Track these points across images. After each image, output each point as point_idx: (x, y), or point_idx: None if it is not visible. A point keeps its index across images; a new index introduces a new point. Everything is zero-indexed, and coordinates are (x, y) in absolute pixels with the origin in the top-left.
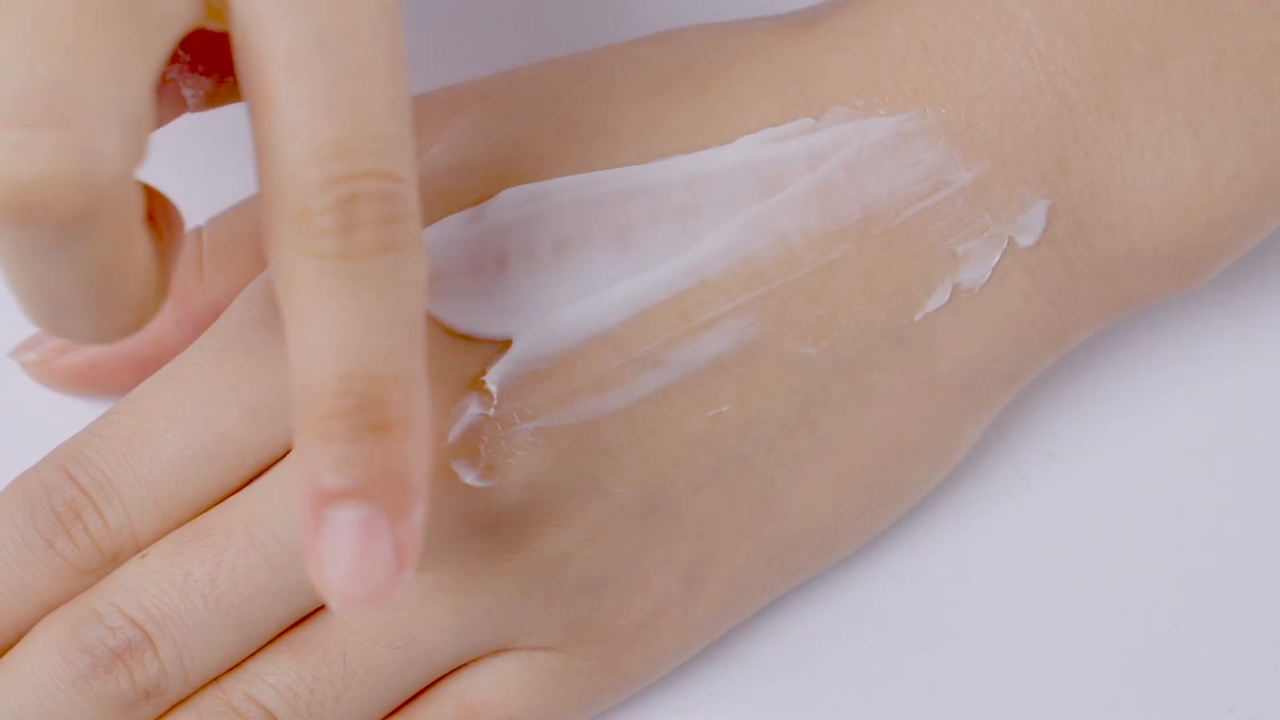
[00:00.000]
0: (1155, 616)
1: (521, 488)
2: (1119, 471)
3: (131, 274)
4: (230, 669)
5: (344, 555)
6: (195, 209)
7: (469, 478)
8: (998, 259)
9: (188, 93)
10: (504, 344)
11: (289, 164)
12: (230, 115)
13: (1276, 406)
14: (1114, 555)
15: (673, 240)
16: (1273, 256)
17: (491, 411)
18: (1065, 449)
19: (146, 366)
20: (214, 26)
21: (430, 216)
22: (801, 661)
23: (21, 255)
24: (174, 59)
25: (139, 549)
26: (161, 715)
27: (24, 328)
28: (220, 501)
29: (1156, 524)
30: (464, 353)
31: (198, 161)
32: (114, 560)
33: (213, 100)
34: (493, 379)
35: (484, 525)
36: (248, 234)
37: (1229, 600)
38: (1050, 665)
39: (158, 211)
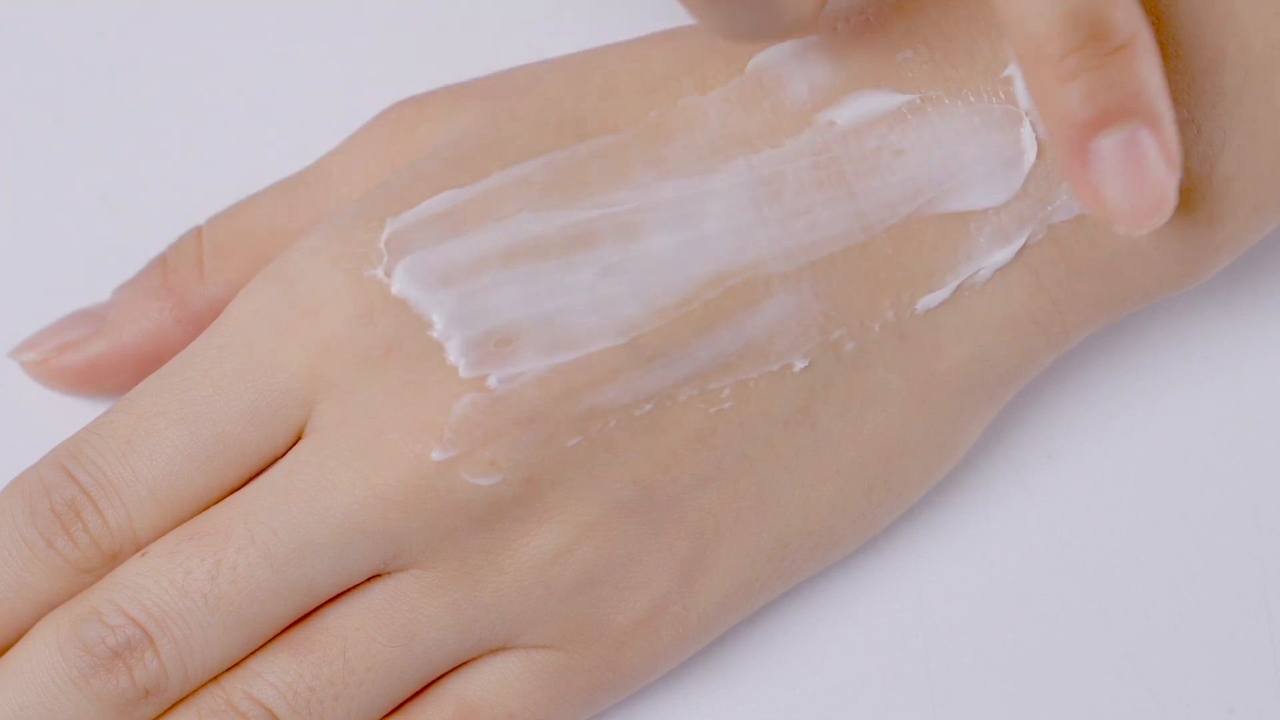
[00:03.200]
0: (1155, 616)
1: (521, 484)
2: (1119, 471)
3: None
4: (230, 667)
5: (1119, 176)
6: (195, 209)
7: (470, 474)
8: (1001, 255)
9: None
10: (503, 342)
11: None
12: (230, 114)
13: (1276, 407)
14: (1114, 555)
15: (676, 238)
16: (1273, 256)
17: (492, 408)
18: (1065, 449)
19: (146, 366)
20: None
21: None
22: (801, 661)
23: None
24: None
25: (138, 548)
26: (162, 714)
27: (24, 328)
28: (220, 500)
29: (1156, 524)
30: None
31: (198, 161)
32: (114, 559)
33: None
34: (494, 376)
35: (484, 522)
36: (248, 233)
37: (1229, 600)
38: (1050, 665)
39: None
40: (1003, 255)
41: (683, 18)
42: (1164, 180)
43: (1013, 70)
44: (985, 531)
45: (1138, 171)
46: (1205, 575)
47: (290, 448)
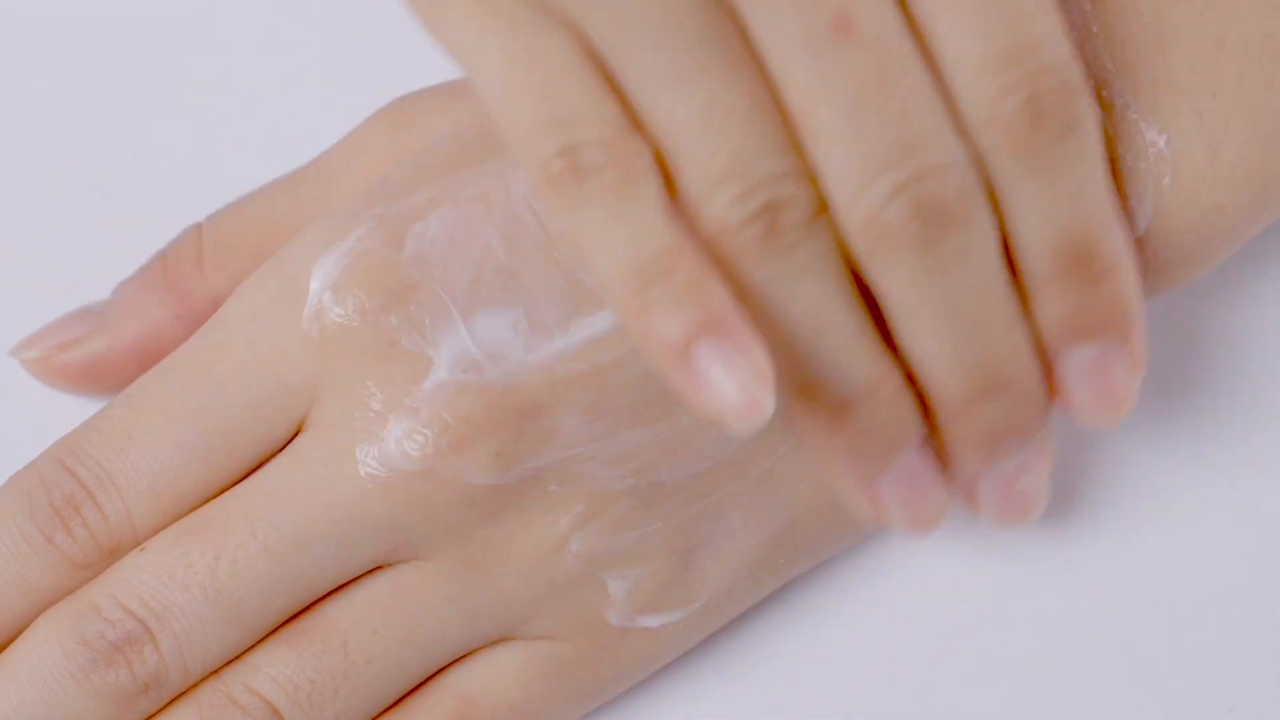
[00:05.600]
0: (1155, 616)
1: (524, 476)
2: (1119, 471)
3: None
4: (230, 661)
5: (1088, 386)
6: (195, 206)
7: (472, 467)
8: None
9: None
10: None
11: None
12: (230, 113)
13: (1277, 403)
14: (1114, 555)
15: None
16: (1273, 254)
17: (494, 400)
18: (1065, 449)
19: (147, 363)
20: None
21: None
22: (802, 661)
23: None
24: None
25: (138, 543)
26: (162, 708)
27: (24, 326)
28: (219, 494)
29: (1157, 524)
30: None
31: (198, 159)
32: (113, 554)
33: None
34: (494, 371)
35: (487, 514)
36: (248, 229)
37: (1230, 600)
38: (1050, 665)
39: None
40: None
41: None
42: (1127, 395)
43: None
44: (985, 531)
45: (1105, 384)
46: (1206, 574)
47: (290, 441)
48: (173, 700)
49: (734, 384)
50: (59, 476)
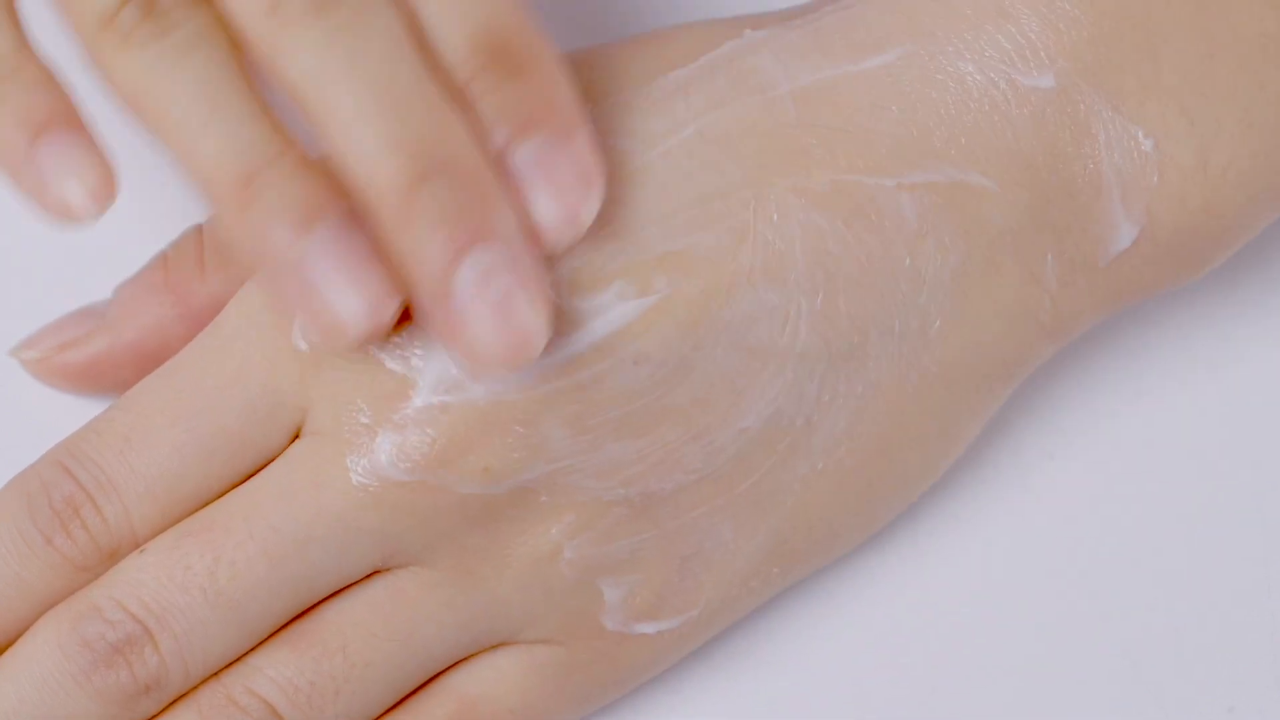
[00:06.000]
0: (1155, 616)
1: (515, 488)
2: (1119, 471)
3: None
4: (230, 663)
5: (539, 182)
6: (196, 208)
7: (463, 482)
8: (991, 248)
9: None
10: None
11: None
12: None
13: (1277, 406)
14: (1114, 555)
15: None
16: (1273, 254)
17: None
18: (1065, 449)
19: (147, 364)
20: None
21: None
22: (801, 661)
23: None
24: None
25: (137, 545)
26: (162, 710)
27: (25, 326)
28: (218, 498)
29: (1156, 524)
30: None
31: None
32: (112, 557)
33: None
34: (478, 390)
35: (480, 523)
36: None
37: (1229, 600)
38: (1051, 665)
39: None
40: (994, 248)
41: (678, 18)
42: (582, 189)
43: None
44: (986, 531)
45: (554, 179)
46: (1206, 575)
47: (289, 445)
48: (173, 702)
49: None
50: (58, 479)
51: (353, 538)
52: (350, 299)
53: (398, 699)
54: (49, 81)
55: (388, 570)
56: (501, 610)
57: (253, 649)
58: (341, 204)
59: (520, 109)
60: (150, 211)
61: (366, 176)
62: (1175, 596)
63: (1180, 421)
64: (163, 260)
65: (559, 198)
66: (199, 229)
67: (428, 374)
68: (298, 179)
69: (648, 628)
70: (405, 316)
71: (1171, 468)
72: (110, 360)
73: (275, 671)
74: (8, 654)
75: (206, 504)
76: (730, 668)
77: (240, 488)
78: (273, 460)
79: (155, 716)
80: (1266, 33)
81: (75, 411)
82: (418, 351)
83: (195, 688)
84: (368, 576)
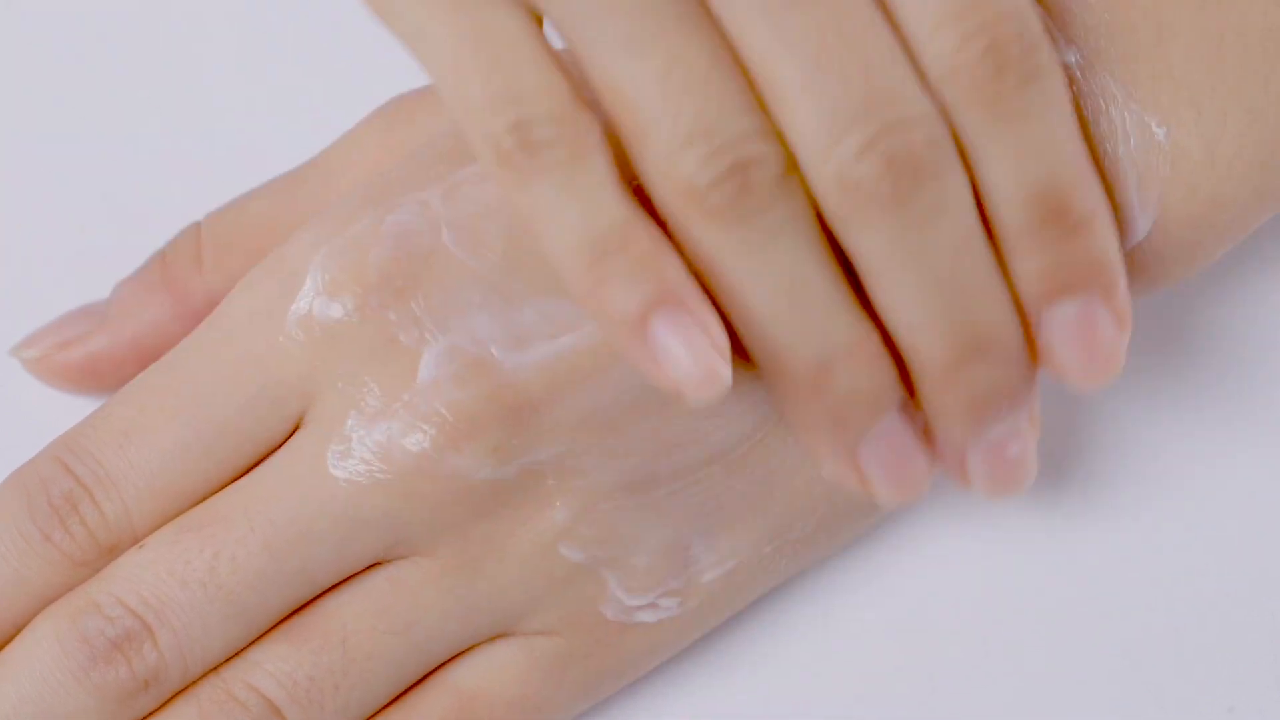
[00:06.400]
0: (1155, 616)
1: (522, 471)
2: (1119, 471)
3: None
4: (230, 657)
5: (1072, 344)
6: (196, 207)
7: (470, 463)
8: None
9: None
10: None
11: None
12: (230, 113)
13: (1277, 403)
14: (1114, 554)
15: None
16: (1273, 253)
17: (492, 396)
18: (1065, 449)
19: (147, 361)
20: None
21: None
22: (801, 661)
23: None
24: None
25: (136, 540)
26: (162, 705)
27: (24, 326)
28: (217, 491)
29: (1156, 522)
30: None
31: (198, 159)
32: (111, 552)
33: None
34: (491, 367)
35: (485, 510)
36: (247, 228)
37: (1229, 600)
38: (1050, 665)
39: None
40: None
41: None
42: (1114, 347)
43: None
44: (985, 530)
45: (1091, 340)
46: (1205, 575)
47: (289, 438)
48: (173, 697)
49: (690, 356)
50: (57, 474)
51: (355, 528)
52: (901, 489)
53: (398, 692)
54: (662, 250)
55: (388, 561)
56: (503, 600)
57: (252, 643)
58: (904, 393)
59: (1067, 273)
60: (149, 210)
61: (914, 347)
62: (1175, 595)
63: (1178, 419)
64: (161, 258)
65: (1089, 364)
66: (197, 226)
67: (441, 349)
68: (873, 369)
69: (648, 616)
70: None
71: (1171, 467)
72: (109, 359)
73: (274, 666)
74: (7, 650)
75: (207, 498)
76: (730, 670)
77: (241, 480)
78: (274, 451)
79: (154, 712)
80: (1271, 26)
81: (75, 410)
82: (433, 324)
83: (195, 682)
84: (368, 568)
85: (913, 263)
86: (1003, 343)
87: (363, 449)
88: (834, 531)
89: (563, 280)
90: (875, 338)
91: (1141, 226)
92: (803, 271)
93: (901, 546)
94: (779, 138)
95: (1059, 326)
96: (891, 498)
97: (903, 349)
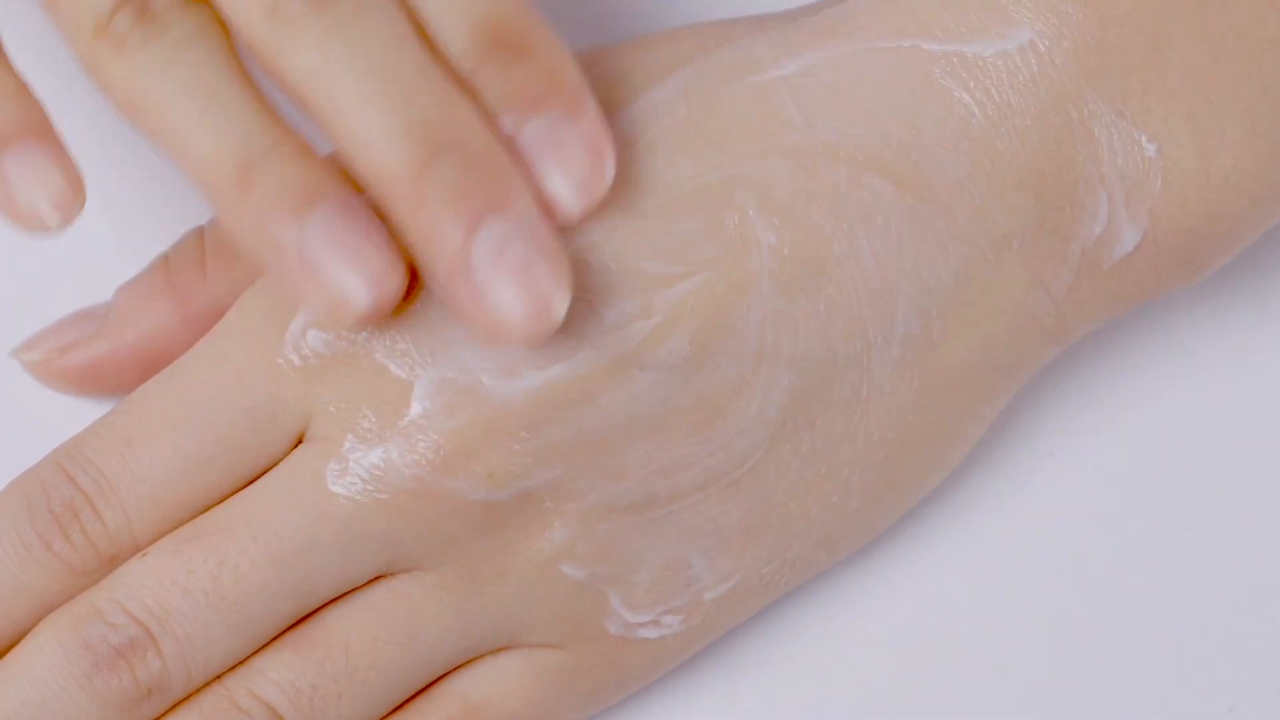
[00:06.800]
0: (1155, 616)
1: (519, 493)
2: (1119, 471)
3: None
4: (233, 666)
5: (545, 160)
6: (198, 209)
7: (467, 487)
8: (994, 251)
9: None
10: None
11: None
12: None
13: (1276, 405)
14: (1114, 555)
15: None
16: (1273, 256)
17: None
18: (1065, 449)
19: (149, 366)
20: None
21: None
22: (802, 662)
23: None
24: None
25: (137, 550)
26: (164, 713)
27: (25, 328)
28: (218, 504)
29: (1156, 524)
30: None
31: None
32: (111, 562)
33: None
34: (483, 395)
35: (483, 528)
36: None
37: (1229, 600)
38: (1050, 665)
39: None
40: (998, 250)
41: (682, 19)
42: (596, 177)
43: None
44: (986, 531)
45: (568, 158)
46: (1205, 575)
47: (290, 451)
48: (175, 705)
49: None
50: (59, 482)
51: (356, 543)
52: (352, 277)
53: (400, 702)
54: (19, 92)
55: (391, 575)
56: (504, 614)
57: (255, 652)
58: (340, 186)
59: (527, 89)
60: (152, 214)
61: (376, 163)
62: (1175, 598)
63: (1179, 422)
64: (164, 262)
65: (570, 171)
66: (200, 231)
67: (432, 379)
68: (296, 164)
69: (650, 632)
70: (408, 314)
71: (1171, 468)
72: (111, 363)
73: (277, 674)
74: (9, 657)
75: (207, 509)
76: (730, 670)
77: (243, 492)
78: (274, 466)
79: None
80: (1270, 37)
81: (76, 414)
82: (422, 357)
83: (198, 691)
84: (371, 581)
85: (347, 64)
86: (463, 141)
87: (360, 469)
88: (831, 549)
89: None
90: (296, 140)
91: (1129, 238)
92: (214, 80)
93: (901, 548)
94: None
95: (530, 143)
96: (350, 288)
97: (365, 175)
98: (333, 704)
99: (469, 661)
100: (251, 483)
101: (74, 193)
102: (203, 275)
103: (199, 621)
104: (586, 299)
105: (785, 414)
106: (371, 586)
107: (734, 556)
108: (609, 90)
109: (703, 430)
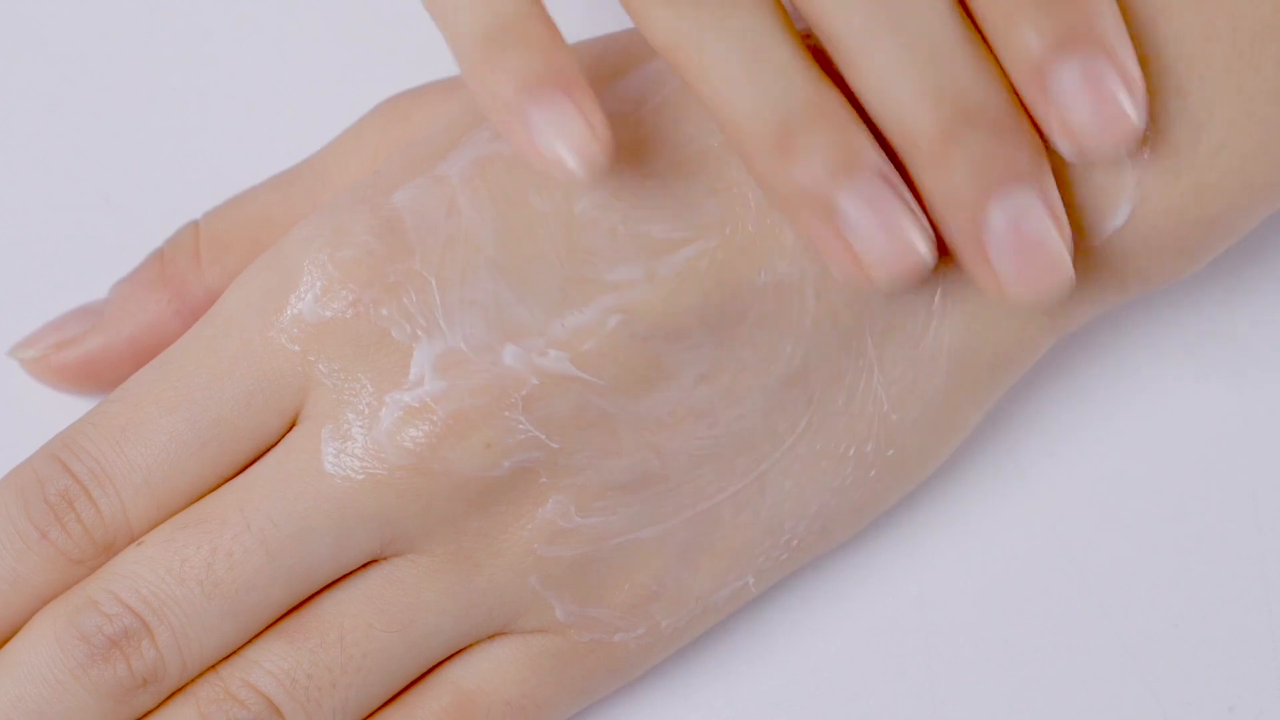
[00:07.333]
0: (1155, 616)
1: (516, 467)
2: (1120, 470)
3: None
4: (228, 656)
5: (1079, 101)
6: (196, 207)
7: (465, 459)
8: None
9: None
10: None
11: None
12: (229, 113)
13: (1277, 405)
14: (1114, 554)
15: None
16: (1273, 254)
17: (486, 392)
18: (1066, 447)
19: (145, 360)
20: None
21: None
22: (802, 660)
23: None
24: None
25: (133, 538)
26: (160, 703)
27: (24, 326)
28: (214, 489)
29: (1157, 522)
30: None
31: (195, 155)
32: (108, 550)
33: None
34: (482, 364)
35: (480, 505)
36: (245, 225)
37: (1229, 600)
38: (1050, 664)
39: None
40: None
41: None
42: (1123, 98)
43: None
44: (986, 528)
45: (1100, 97)
46: (1206, 573)
47: (285, 434)
48: (171, 695)
49: (563, 141)
50: (54, 472)
51: (351, 525)
52: (892, 245)
53: (396, 690)
54: (550, 43)
55: (385, 559)
56: (499, 597)
57: (250, 641)
58: (877, 153)
59: (1063, 31)
60: (147, 209)
61: (904, 124)
62: (1175, 594)
63: (1179, 419)
64: (159, 256)
65: (1100, 120)
66: (195, 225)
67: (431, 350)
68: (837, 130)
69: (644, 614)
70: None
71: (1171, 465)
72: (107, 357)
73: (272, 664)
74: (5, 649)
75: (204, 495)
76: (730, 669)
77: (237, 479)
78: (270, 449)
79: (153, 710)
80: (1262, 20)
81: (73, 410)
82: (422, 324)
83: (193, 681)
84: (364, 566)
85: (889, 32)
86: (992, 111)
87: (356, 446)
88: (827, 532)
89: (456, 60)
90: (839, 100)
91: (1121, 210)
92: (758, 37)
93: (900, 543)
94: None
95: (1064, 87)
96: (885, 266)
97: (891, 133)
98: (328, 693)
99: (463, 650)
100: (247, 467)
101: (600, 144)
102: (198, 267)
103: (193, 610)
104: (591, 262)
105: (784, 389)
106: (365, 572)
107: (727, 535)
108: (619, 56)
109: (702, 404)
